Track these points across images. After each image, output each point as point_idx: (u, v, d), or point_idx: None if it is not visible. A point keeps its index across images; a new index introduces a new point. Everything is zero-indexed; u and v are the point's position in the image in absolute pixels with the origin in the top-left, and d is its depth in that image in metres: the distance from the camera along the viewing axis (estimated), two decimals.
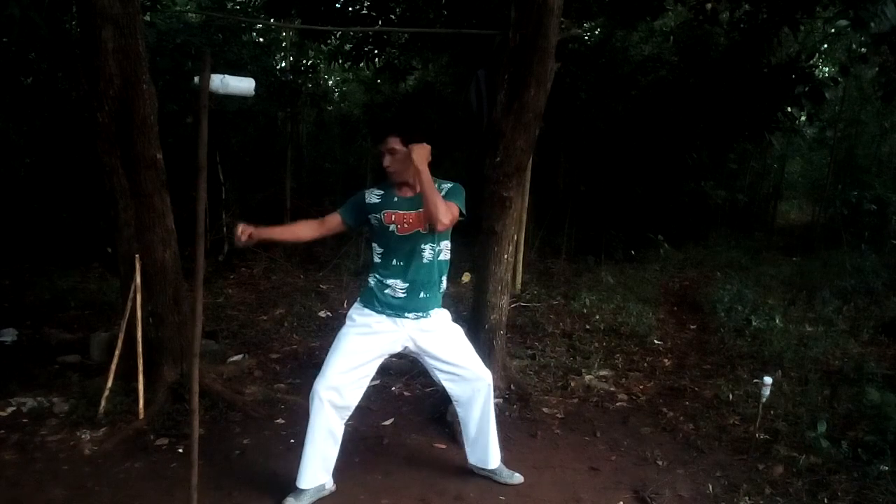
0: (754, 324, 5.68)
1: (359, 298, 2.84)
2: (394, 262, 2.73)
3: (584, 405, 4.07)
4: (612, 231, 9.43)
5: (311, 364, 4.66)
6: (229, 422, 3.61)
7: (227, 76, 2.19)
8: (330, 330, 5.52)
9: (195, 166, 2.21)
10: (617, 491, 3.04)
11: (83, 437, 3.34)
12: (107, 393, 3.58)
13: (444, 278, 2.85)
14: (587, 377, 4.47)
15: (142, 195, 3.55)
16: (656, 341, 5.50)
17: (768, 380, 3.39)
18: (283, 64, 9.84)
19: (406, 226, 2.69)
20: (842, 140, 12.24)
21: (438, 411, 3.80)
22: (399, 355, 3.07)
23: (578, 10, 6.57)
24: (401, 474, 3.11)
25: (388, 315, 2.74)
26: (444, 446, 3.44)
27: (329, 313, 5.98)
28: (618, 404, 4.13)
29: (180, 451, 3.24)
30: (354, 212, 2.80)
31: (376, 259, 2.79)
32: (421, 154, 2.58)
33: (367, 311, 2.77)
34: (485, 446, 3.00)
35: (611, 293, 6.92)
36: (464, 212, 2.70)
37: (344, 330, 2.79)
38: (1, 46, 5.75)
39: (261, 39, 9.34)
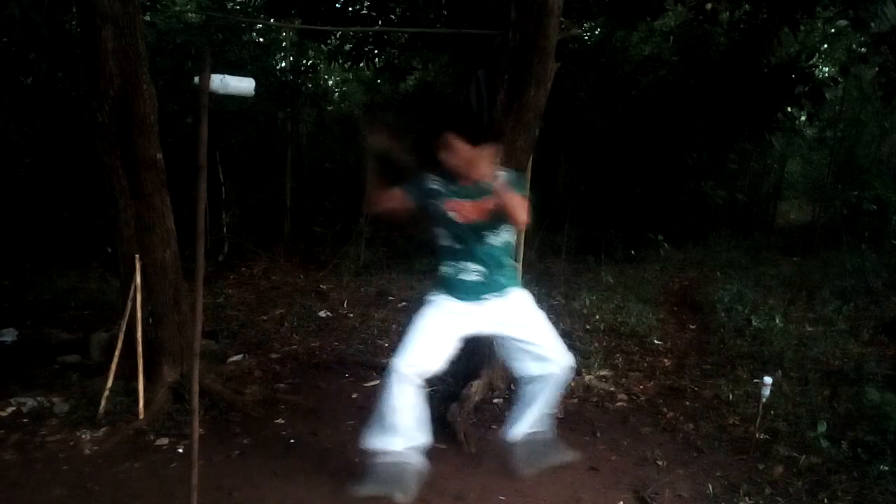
0: (754, 324, 5.68)
1: (435, 287, 2.88)
2: (459, 246, 2.78)
3: (584, 405, 4.07)
4: (612, 231, 9.42)
5: (310, 364, 4.66)
6: (229, 422, 3.61)
7: (226, 76, 2.18)
8: (330, 330, 5.52)
9: (195, 166, 2.21)
10: (617, 491, 3.04)
11: (83, 437, 3.34)
12: (107, 393, 3.58)
13: (511, 258, 2.91)
14: (587, 377, 4.47)
15: (142, 195, 3.55)
16: (656, 341, 5.49)
17: (768, 380, 3.39)
18: (283, 64, 9.83)
19: (465, 214, 2.74)
20: (842, 140, 12.21)
21: (438, 411, 3.79)
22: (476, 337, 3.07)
23: (578, 10, 6.56)
24: None
25: (467, 300, 2.79)
26: (444, 446, 3.44)
27: (329, 313, 5.98)
28: (618, 404, 4.13)
29: (180, 451, 3.24)
30: (417, 189, 2.82)
31: (444, 244, 2.84)
32: (488, 158, 2.64)
33: (444, 296, 2.82)
34: (541, 414, 3.00)
35: (611, 293, 6.92)
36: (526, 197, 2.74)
37: (424, 311, 2.82)
38: (1, 46, 5.75)
39: (261, 39, 9.33)
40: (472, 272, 2.77)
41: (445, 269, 2.83)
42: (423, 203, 2.83)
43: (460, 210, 2.74)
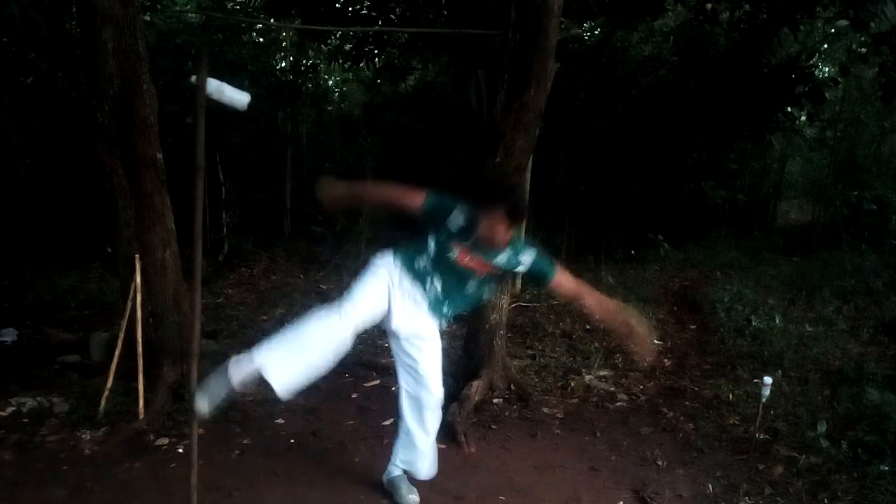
0: (754, 324, 5.68)
1: (394, 252, 2.76)
2: (438, 272, 2.68)
3: (584, 405, 4.07)
4: (612, 231, 9.42)
5: None
6: (229, 422, 3.61)
7: (224, 84, 2.18)
8: None
9: (194, 166, 2.21)
10: (617, 491, 3.04)
11: (83, 437, 3.34)
12: (107, 393, 3.57)
13: (473, 308, 2.88)
14: (587, 377, 4.47)
15: (142, 195, 3.55)
16: (656, 341, 5.49)
17: (768, 380, 3.39)
18: (283, 64, 9.84)
19: (466, 261, 2.64)
20: (842, 140, 12.21)
21: None
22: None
23: (578, 10, 6.56)
24: None
25: (412, 284, 2.70)
26: (444, 446, 3.43)
27: None
28: (618, 404, 4.13)
29: (180, 451, 3.23)
30: (441, 206, 2.65)
31: (429, 250, 2.69)
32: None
33: (396, 261, 2.72)
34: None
35: (611, 293, 6.89)
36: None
37: (374, 265, 2.75)
38: (1, 46, 5.76)
39: (261, 39, 9.34)
40: (433, 285, 2.69)
41: (417, 257, 2.70)
42: (434, 219, 2.67)
43: (465, 256, 2.63)
